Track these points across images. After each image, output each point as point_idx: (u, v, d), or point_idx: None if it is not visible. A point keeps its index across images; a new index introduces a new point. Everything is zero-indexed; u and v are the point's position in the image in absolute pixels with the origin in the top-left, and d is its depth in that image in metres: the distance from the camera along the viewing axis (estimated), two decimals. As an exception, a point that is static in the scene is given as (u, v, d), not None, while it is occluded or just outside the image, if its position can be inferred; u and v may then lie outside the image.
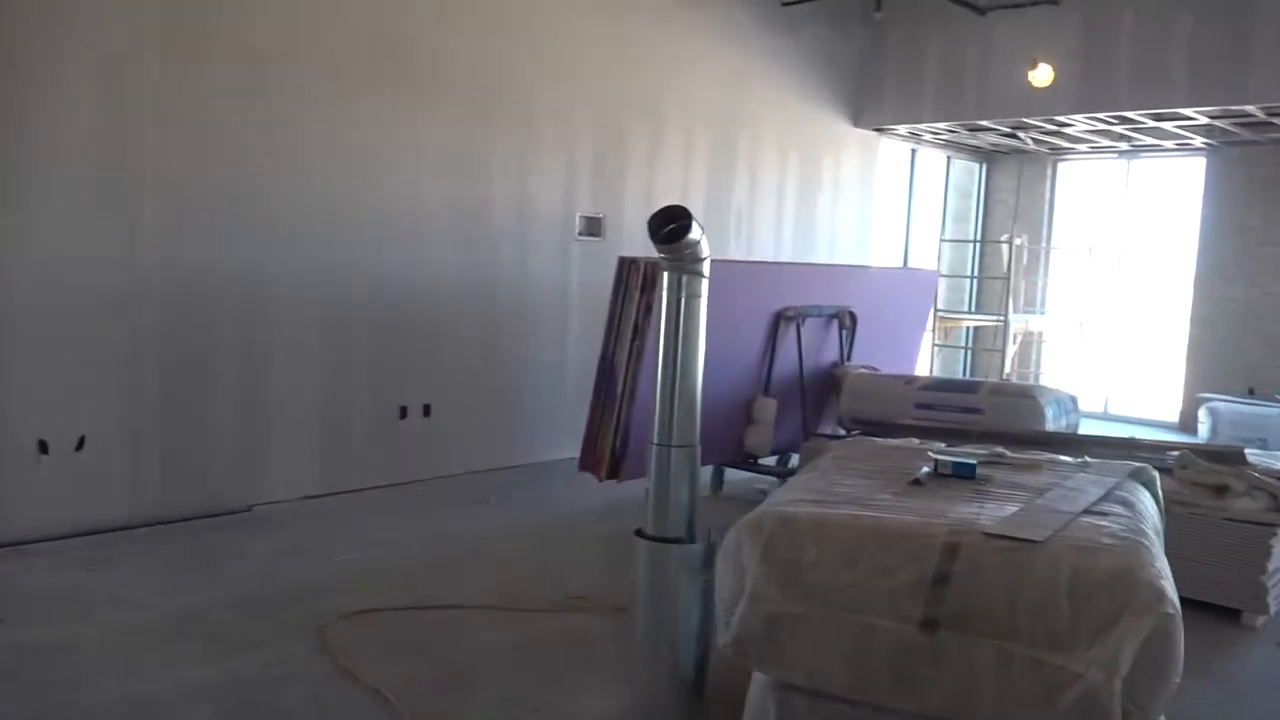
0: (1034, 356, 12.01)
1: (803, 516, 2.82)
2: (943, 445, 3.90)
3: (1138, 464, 3.66)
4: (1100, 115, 9.04)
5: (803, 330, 6.85)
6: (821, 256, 10.04)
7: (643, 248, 8.30)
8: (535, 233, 7.63)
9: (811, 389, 7.03)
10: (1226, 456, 5.36)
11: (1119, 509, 3.05)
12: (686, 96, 8.56)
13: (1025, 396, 6.21)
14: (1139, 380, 12.00)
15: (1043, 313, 11.86)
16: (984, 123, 9.81)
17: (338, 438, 6.58)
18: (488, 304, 7.38)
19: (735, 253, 9.10)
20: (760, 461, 6.97)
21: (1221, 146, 10.38)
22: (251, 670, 3.90)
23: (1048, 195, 12.00)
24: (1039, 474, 3.46)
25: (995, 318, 11.00)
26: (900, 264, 11.36)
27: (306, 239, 6.31)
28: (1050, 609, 2.46)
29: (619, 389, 5.97)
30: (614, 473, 6.09)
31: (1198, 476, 5.14)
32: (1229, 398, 9.95)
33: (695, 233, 3.40)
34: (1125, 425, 10.53)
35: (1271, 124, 9.01)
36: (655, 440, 3.55)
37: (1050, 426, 6.12)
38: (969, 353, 12.46)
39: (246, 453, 6.14)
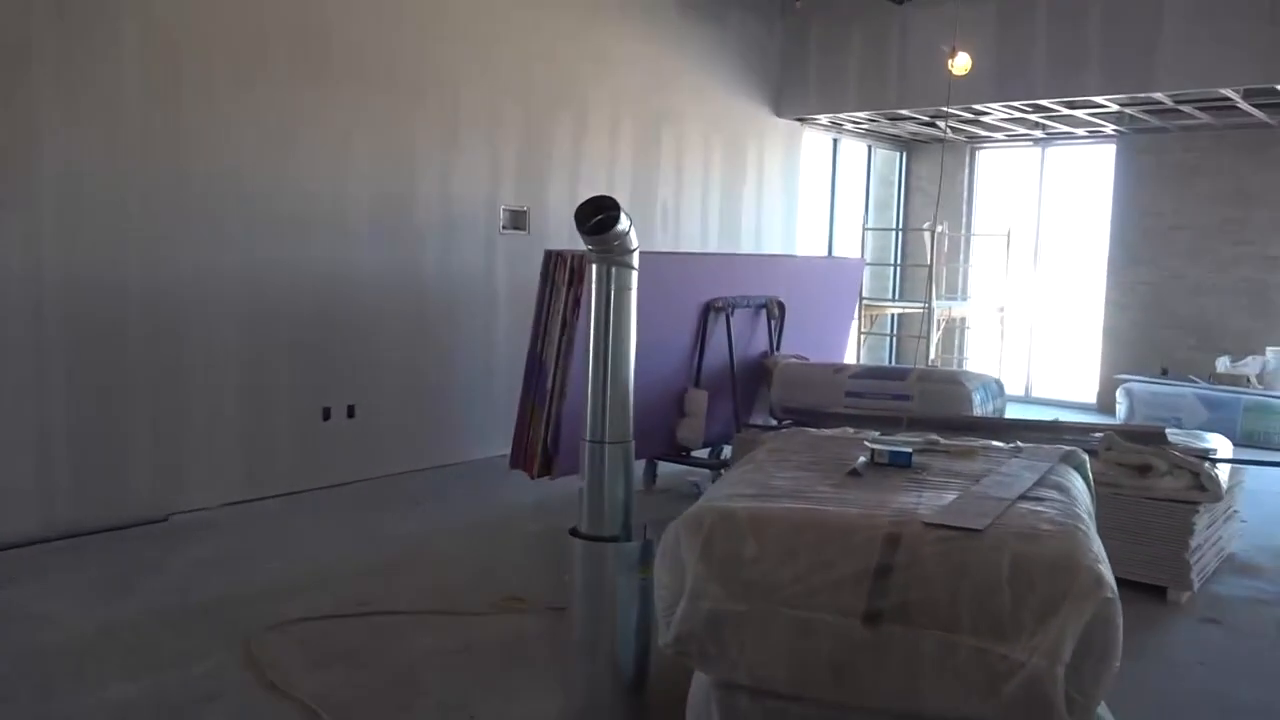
0: (957, 342, 12.22)
1: (741, 512, 2.78)
2: (877, 434, 3.90)
3: (1067, 448, 3.70)
4: (1016, 103, 9.20)
5: (732, 321, 6.83)
6: (747, 247, 10.06)
7: (569, 241, 8.25)
8: (460, 227, 7.49)
9: (742, 380, 7.02)
10: (1148, 437, 5.48)
11: (1054, 494, 3.06)
12: (611, 87, 8.48)
13: (953, 383, 6.28)
14: (1058, 363, 12.30)
15: (965, 299, 12.07)
16: (904, 112, 9.91)
17: (260, 441, 6.38)
18: (413, 300, 7.23)
19: (662, 245, 9.06)
20: (693, 454, 6.95)
21: (1131, 134, 10.66)
22: (173, 687, 3.74)
23: (966, 183, 12.21)
24: (974, 461, 3.47)
25: (919, 304, 11.15)
26: (825, 253, 11.45)
27: (222, 235, 6.10)
28: (992, 597, 2.45)
29: (549, 385, 5.88)
30: (546, 470, 6.00)
31: (1121, 457, 5.24)
32: (1144, 378, 10.24)
33: (624, 223, 3.34)
34: (1047, 408, 10.78)
35: (1179, 111, 9.27)
36: (588, 436, 3.49)
37: (978, 411, 6.20)
38: (893, 339, 12.63)
39: (163, 459, 5.91)
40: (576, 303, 5.72)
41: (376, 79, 6.85)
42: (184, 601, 4.62)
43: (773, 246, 10.38)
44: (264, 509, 6.21)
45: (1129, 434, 5.51)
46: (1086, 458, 3.68)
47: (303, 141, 6.46)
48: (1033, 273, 11.92)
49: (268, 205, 6.30)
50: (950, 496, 2.97)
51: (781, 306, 7.24)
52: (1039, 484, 3.14)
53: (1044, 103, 9.04)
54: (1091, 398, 11.38)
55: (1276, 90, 8.34)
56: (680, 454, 6.87)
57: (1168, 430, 5.89)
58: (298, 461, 6.58)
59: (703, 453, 7.12)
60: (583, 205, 3.36)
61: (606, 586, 3.43)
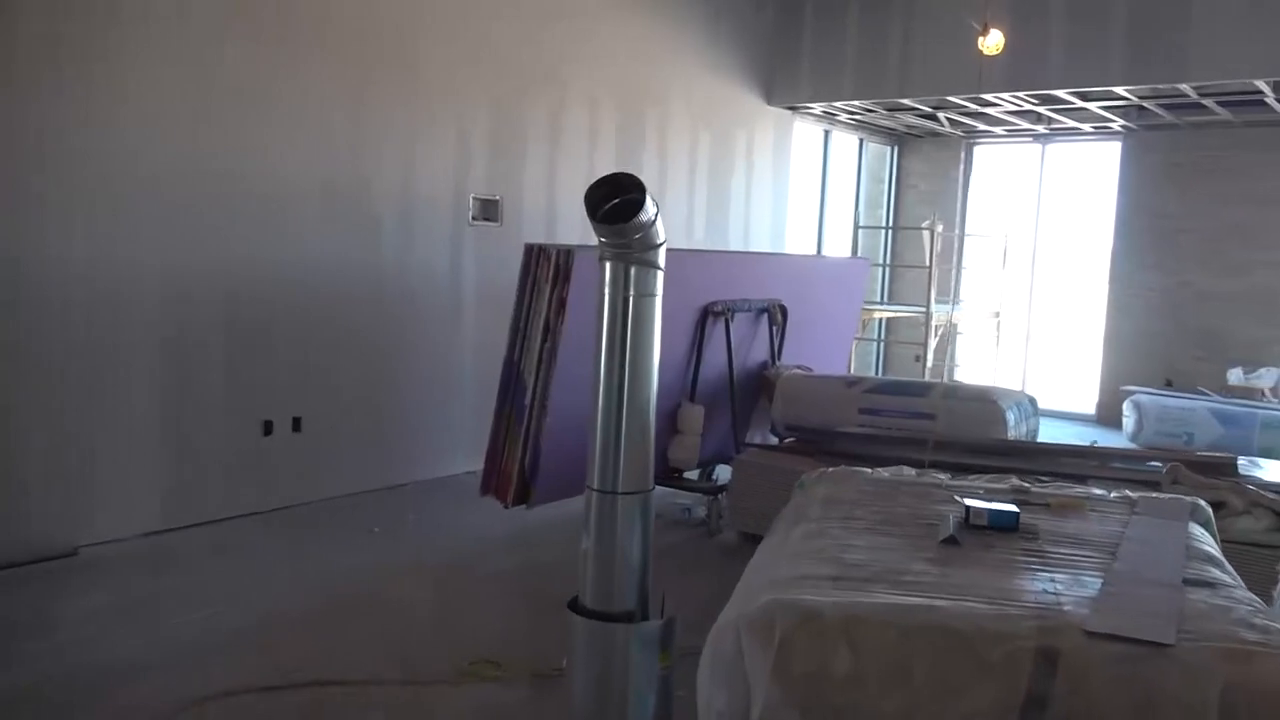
0: (949, 349, 11.55)
1: (829, 611, 2.00)
2: (947, 477, 3.14)
3: (1189, 498, 2.97)
4: (1031, 94, 8.52)
5: (732, 327, 6.07)
6: (735, 245, 9.30)
7: (546, 234, 7.45)
8: (424, 217, 6.64)
9: (741, 393, 6.26)
10: (1217, 467, 4.80)
11: (1214, 572, 2.34)
12: (592, 67, 7.67)
13: (983, 400, 5.55)
14: (1056, 372, 11.68)
15: (958, 303, 11.40)
16: (906, 101, 9.20)
17: (184, 461, 5.50)
18: (369, 298, 6.37)
19: (645, 240, 8.26)
20: (684, 475, 6.17)
21: (1140, 130, 10.05)
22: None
23: (962, 180, 11.54)
24: (1085, 518, 2.73)
25: (912, 309, 10.45)
26: (815, 252, 10.73)
27: (138, 223, 5.21)
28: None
29: (528, 399, 5.08)
30: (523, 497, 5.21)
31: (1191, 492, 4.53)
32: (1153, 390, 9.63)
33: (649, 210, 2.55)
34: (1044, 420, 10.11)
35: (1201, 106, 8.65)
36: (595, 484, 2.71)
37: (1011, 433, 5.48)
38: (881, 345, 11.95)
39: (70, 483, 5.02)
40: (562, 305, 4.92)
41: (332, 47, 5.98)
42: (70, 674, 3.73)
43: (761, 244, 9.63)
44: (189, 540, 5.33)
45: (1193, 464, 4.81)
46: (1211, 513, 2.96)
47: (244, 114, 5.58)
48: (1030, 276, 11.29)
49: (195, 187, 5.42)
50: (1091, 579, 2.22)
51: (784, 311, 6.49)
52: (1189, 557, 2.41)
53: (1060, 93, 8.36)
54: (1090, 409, 10.77)
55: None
56: (671, 476, 6.09)
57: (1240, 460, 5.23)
58: (232, 483, 5.71)
59: (693, 473, 6.35)
60: (595, 186, 2.58)
61: (616, 677, 2.66)
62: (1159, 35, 7.56)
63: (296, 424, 6.03)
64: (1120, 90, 8.16)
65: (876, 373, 11.59)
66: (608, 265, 2.66)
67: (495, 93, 6.99)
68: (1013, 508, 2.60)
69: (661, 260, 2.69)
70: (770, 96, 9.47)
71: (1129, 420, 9.47)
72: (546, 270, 4.97)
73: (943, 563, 2.30)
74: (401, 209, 6.49)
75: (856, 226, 10.81)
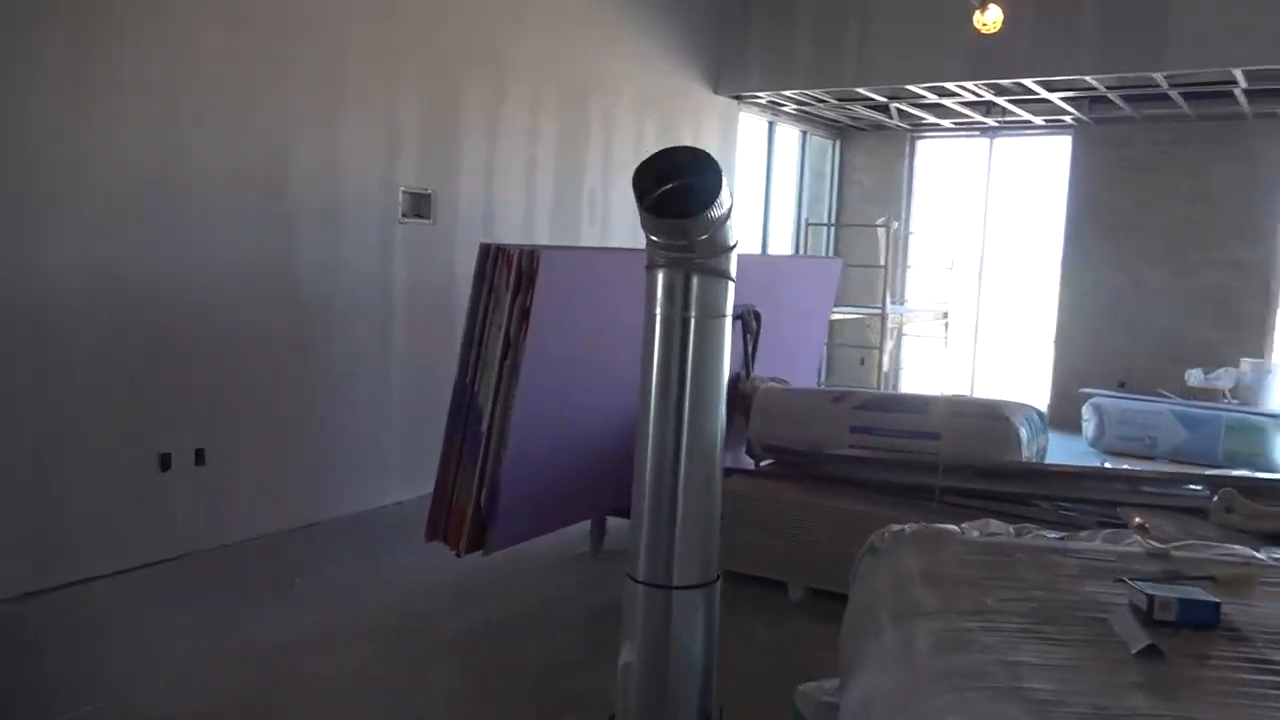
0: (896, 352, 11.09)
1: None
2: (1087, 535, 2.50)
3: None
4: (996, 82, 8.04)
5: (705, 337, 5.37)
6: (681, 243, 8.61)
7: (484, 232, 6.63)
8: (347, 213, 5.78)
9: (714, 410, 5.57)
10: (1269, 491, 4.29)
11: None
12: (534, 50, 6.90)
13: (995, 418, 4.96)
14: (1006, 374, 11.33)
15: (904, 303, 10.95)
16: (862, 91, 8.65)
17: (61, 506, 4.56)
18: (283, 308, 5.49)
19: (590, 239, 7.54)
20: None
21: (1091, 124, 9.71)
22: None
23: (906, 175, 11.08)
24: (1256, 593, 2.12)
25: (862, 310, 9.93)
26: (760, 251, 10.13)
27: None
28: None
29: (484, 427, 4.29)
30: (478, 542, 4.42)
31: (1250, 523, 4.01)
32: (1114, 393, 9.29)
33: (723, 201, 1.82)
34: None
35: (1166, 97, 8.30)
36: (640, 576, 1.98)
37: (1024, 453, 4.92)
38: (824, 349, 11.41)
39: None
40: (524, 315, 4.16)
41: (236, 15, 5.09)
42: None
43: (708, 243, 8.97)
44: (66, 604, 4.40)
45: (1241, 488, 4.29)
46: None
47: (127, 91, 4.66)
48: (978, 275, 10.89)
49: (63, 178, 4.49)
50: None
51: (758, 318, 5.82)
52: None
53: (1027, 82, 7.90)
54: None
55: (1277, 75, 7.43)
56: (641, 508, 5.36)
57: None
58: (121, 530, 4.79)
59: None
60: (647, 163, 1.85)
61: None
62: (1134, 23, 7.13)
63: (199, 456, 5.12)
64: (1090, 79, 7.74)
65: (820, 379, 11.06)
66: (660, 275, 1.93)
67: (429, 75, 6.17)
68: (1207, 596, 1.97)
69: (734, 268, 1.97)
70: (718, 85, 8.81)
71: (1089, 424, 9.11)
72: (506, 274, 4.20)
73: (1161, 691, 1.65)
74: (322, 204, 5.63)
75: (805, 224, 10.24)
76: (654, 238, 1.91)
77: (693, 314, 1.91)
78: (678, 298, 1.91)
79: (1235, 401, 8.97)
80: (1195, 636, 1.87)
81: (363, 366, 5.96)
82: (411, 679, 3.82)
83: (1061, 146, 10.23)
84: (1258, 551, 2.47)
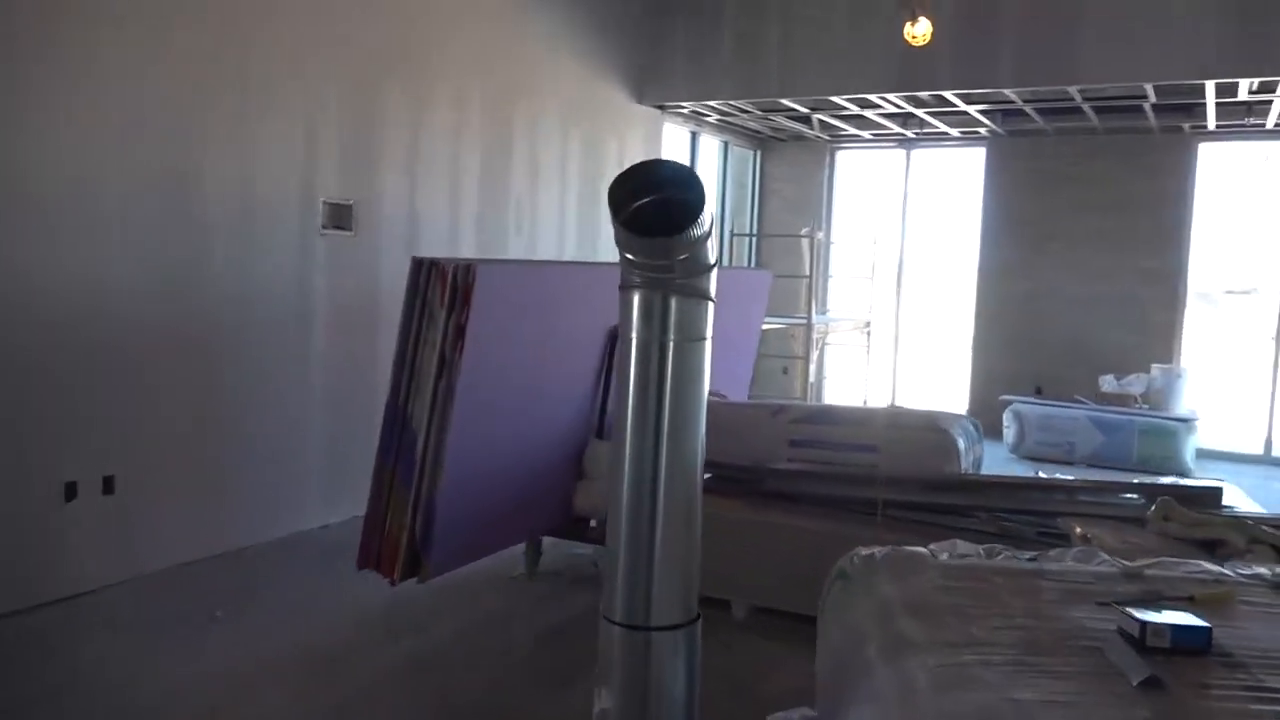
0: (820, 362, 11.15)
1: None
2: (1056, 553, 2.45)
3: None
4: (916, 95, 8.13)
5: (642, 351, 5.27)
6: (607, 255, 8.50)
7: (408, 245, 6.42)
8: (264, 224, 5.52)
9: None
10: (1200, 499, 4.36)
11: None
12: (458, 53, 6.71)
13: (932, 429, 4.96)
14: (926, 382, 11.49)
15: (827, 312, 11.02)
16: (786, 102, 8.66)
17: (-40, 544, 4.23)
18: (196, 324, 5.21)
19: (516, 252, 7.38)
20: (592, 524, 5.32)
21: (1005, 136, 9.91)
22: None
23: (826, 186, 11.16)
24: (1235, 611, 2.09)
25: (786, 320, 9.94)
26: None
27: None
28: None
29: (418, 451, 4.12)
30: (412, 569, 4.24)
31: (1186, 531, 4.07)
32: (1033, 400, 9.47)
33: (704, 220, 1.72)
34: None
35: (1079, 111, 8.51)
36: (618, 617, 1.86)
37: (963, 463, 4.93)
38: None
39: None
40: (460, 333, 4.01)
41: (143, 14, 4.81)
42: None
43: (633, 254, 8.87)
44: (-31, 648, 4.08)
45: (1178, 496, 4.34)
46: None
47: (26, 94, 4.36)
48: (897, 284, 11.02)
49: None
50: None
51: (693, 331, 5.74)
52: None
53: (947, 95, 8.00)
54: (961, 419, 10.56)
55: (1183, 90, 7.68)
56: (578, 526, 5.23)
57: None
58: (16, 567, 4.46)
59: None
60: (624, 176, 1.72)
61: None
62: (1050, 38, 7.27)
63: (108, 484, 4.81)
64: (1008, 92, 7.88)
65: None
66: (636, 297, 1.81)
67: (349, 79, 5.94)
68: (1197, 620, 1.93)
69: (713, 288, 1.87)
70: (642, 95, 8.73)
71: (1009, 431, 9.27)
72: (440, 290, 4.03)
73: (1169, 727, 1.59)
74: (238, 215, 5.36)
75: (730, 234, 10.23)
76: (630, 256, 1.80)
77: (671, 337, 1.79)
78: (655, 320, 1.80)
79: (1147, 406, 9.22)
80: (1189, 663, 1.82)
81: (284, 384, 5.69)
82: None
83: (976, 158, 10.42)
84: (1223, 566, 2.45)
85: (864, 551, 2.47)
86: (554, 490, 5.00)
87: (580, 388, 4.97)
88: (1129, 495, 4.53)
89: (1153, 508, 4.19)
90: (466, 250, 6.81)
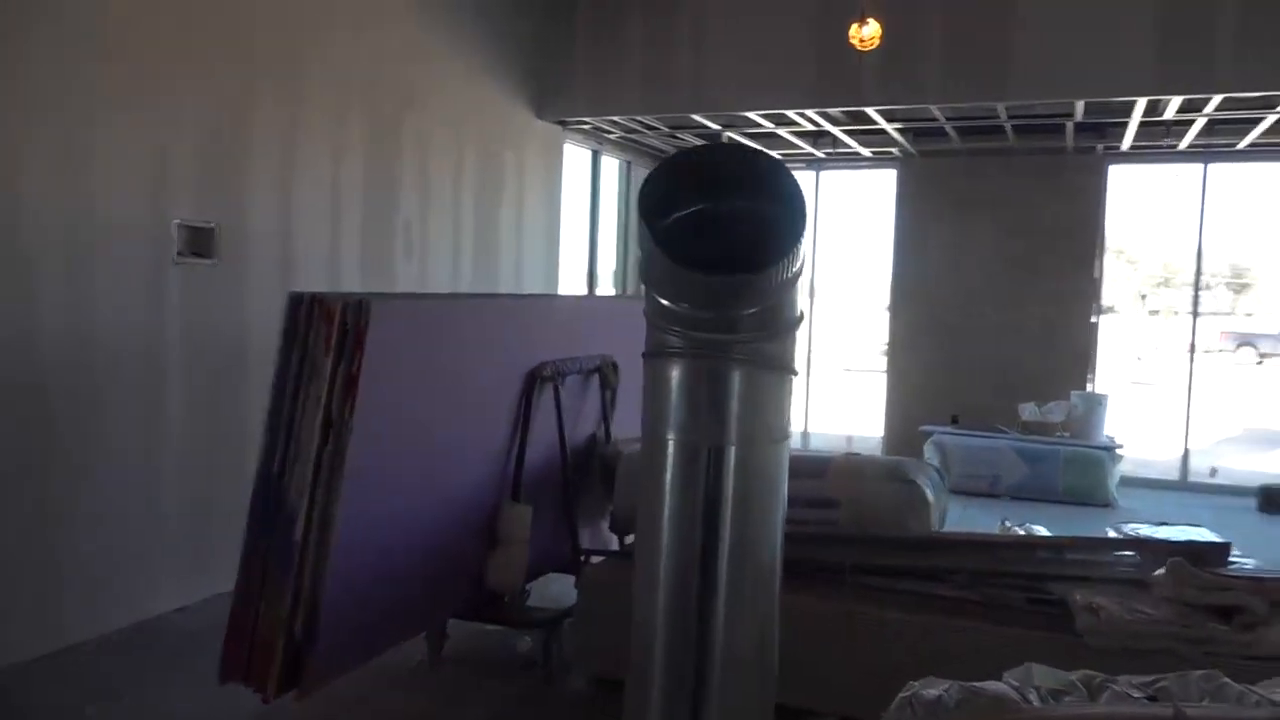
0: (727, 391, 10.59)
1: None
2: (1175, 678, 1.83)
3: None
4: (842, 111, 7.65)
5: (563, 395, 4.56)
6: (506, 286, 7.75)
7: (283, 276, 5.55)
8: (104, 252, 4.59)
9: (573, 479, 4.75)
10: (1205, 556, 3.87)
11: None
12: (339, 58, 5.89)
13: (899, 480, 4.32)
14: (837, 411, 11.05)
15: (736, 342, 10.48)
16: (697, 118, 8.08)
17: None
18: (18, 375, 4.26)
19: (407, 279, 6.57)
20: (506, 599, 4.55)
21: (917, 157, 9.57)
22: None
23: (732, 209, 10.64)
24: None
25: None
26: (587, 291, 9.40)
27: None
28: None
29: (298, 534, 3.30)
30: (292, 680, 3.40)
31: (1200, 596, 3.57)
32: (953, 430, 9.08)
33: (799, 254, 1.02)
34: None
35: (996, 130, 8.19)
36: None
37: (934, 518, 4.34)
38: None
39: None
40: (351, 386, 3.22)
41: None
42: None
43: (535, 283, 8.14)
44: None
45: (1183, 555, 3.84)
46: None
47: None
48: (807, 309, 10.56)
49: None
50: None
51: (616, 370, 5.06)
52: None
53: (870, 111, 7.55)
54: (875, 450, 10.15)
55: (1112, 109, 7.41)
56: (492, 605, 4.46)
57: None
58: None
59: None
60: (669, 167, 1.01)
61: None
62: (978, 54, 6.87)
63: (-102, 578, 3.83)
64: (933, 109, 7.47)
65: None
66: (675, 371, 1.08)
67: (211, 84, 5.07)
68: None
69: (792, 355, 1.17)
70: (540, 109, 8.02)
71: (931, 462, 8.86)
72: (326, 333, 3.24)
73: None
74: (69, 241, 4.43)
75: (632, 261, 9.57)
76: (665, 301, 1.08)
77: (732, 439, 1.09)
78: (705, 410, 1.09)
79: (1068, 435, 8.94)
80: None
81: (127, 443, 4.75)
82: None
83: (887, 180, 10.07)
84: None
85: (924, 694, 1.80)
86: (462, 564, 4.22)
87: (493, 444, 4.22)
88: (1124, 552, 4.01)
89: (1161, 570, 3.68)
90: (349, 278, 5.98)
